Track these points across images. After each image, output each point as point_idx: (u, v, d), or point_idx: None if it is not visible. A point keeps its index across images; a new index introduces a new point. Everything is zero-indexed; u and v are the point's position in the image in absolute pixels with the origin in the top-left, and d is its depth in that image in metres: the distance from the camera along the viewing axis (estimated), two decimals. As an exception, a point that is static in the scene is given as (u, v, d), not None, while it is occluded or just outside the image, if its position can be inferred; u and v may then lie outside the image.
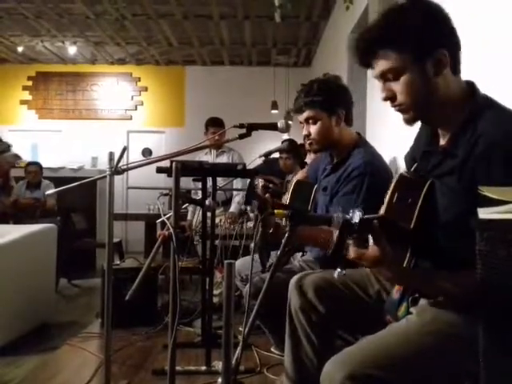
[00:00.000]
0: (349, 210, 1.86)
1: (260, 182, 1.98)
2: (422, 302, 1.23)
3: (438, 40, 1.15)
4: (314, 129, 2.03)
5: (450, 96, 1.18)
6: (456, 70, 1.19)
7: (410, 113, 1.20)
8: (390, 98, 1.20)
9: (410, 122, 1.22)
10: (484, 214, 0.81)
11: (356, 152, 2.00)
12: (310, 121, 2.03)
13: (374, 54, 1.18)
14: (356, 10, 4.08)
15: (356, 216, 1.07)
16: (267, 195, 1.93)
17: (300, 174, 2.63)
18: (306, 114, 2.03)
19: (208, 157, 4.38)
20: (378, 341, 1.18)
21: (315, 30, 6.63)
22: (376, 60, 1.19)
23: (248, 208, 3.27)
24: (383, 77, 1.20)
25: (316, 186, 2.25)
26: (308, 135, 2.05)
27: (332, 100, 2.01)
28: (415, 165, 1.30)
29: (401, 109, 1.20)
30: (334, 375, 1.10)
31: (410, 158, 1.37)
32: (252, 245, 2.30)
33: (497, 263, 0.78)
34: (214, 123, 4.30)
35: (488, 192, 0.87)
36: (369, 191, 1.87)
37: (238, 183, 4.21)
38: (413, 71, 1.15)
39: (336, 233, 1.10)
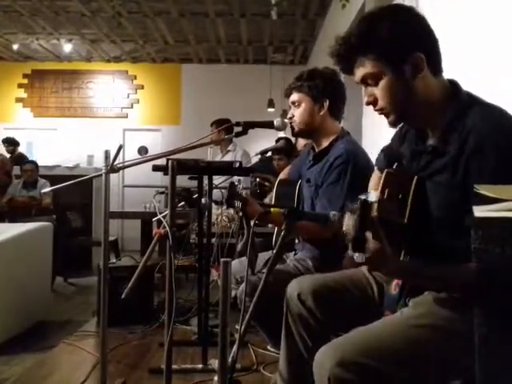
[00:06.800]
0: (334, 200, 1.88)
1: (241, 183, 1.99)
2: (424, 294, 1.23)
3: (413, 43, 1.17)
4: (297, 112, 2.10)
5: (431, 96, 1.20)
6: (436, 70, 1.21)
7: (392, 116, 1.23)
8: (372, 102, 1.23)
9: (393, 124, 1.25)
10: (479, 211, 0.82)
11: (338, 143, 2.06)
12: (296, 104, 2.11)
13: (352, 61, 1.22)
14: (352, 8, 4.08)
15: (372, 196, 1.08)
16: (244, 191, 1.95)
17: (282, 174, 2.66)
18: (292, 97, 2.12)
19: (219, 156, 4.68)
20: (369, 331, 1.19)
21: (312, 27, 6.63)
22: (355, 67, 1.22)
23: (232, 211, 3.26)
24: (364, 82, 1.23)
25: (300, 183, 2.26)
26: (291, 117, 2.13)
27: (318, 87, 2.06)
28: (396, 163, 1.31)
29: (383, 112, 1.23)
30: (325, 363, 1.11)
31: (387, 160, 1.38)
32: (238, 247, 2.30)
33: (492, 260, 0.78)
34: (218, 123, 4.44)
35: (483, 190, 0.87)
36: (352, 179, 1.93)
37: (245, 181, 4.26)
38: (390, 75, 1.18)
39: (351, 218, 1.10)
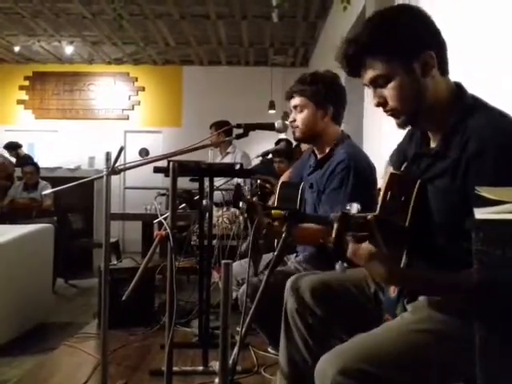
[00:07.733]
0: (337, 205, 1.88)
1: (247, 184, 1.99)
2: (420, 299, 1.23)
3: (424, 42, 1.16)
4: (299, 116, 2.08)
5: (439, 97, 1.19)
6: (444, 70, 1.20)
7: (402, 117, 1.21)
8: (382, 103, 1.21)
9: (401, 126, 1.23)
10: (480, 214, 0.82)
11: (339, 148, 2.05)
12: (298, 108, 2.08)
13: (361, 63, 1.19)
14: (353, 10, 4.08)
15: (354, 208, 1.07)
16: (254, 198, 1.95)
17: (284, 177, 2.66)
18: (294, 101, 2.08)
19: (219, 158, 4.67)
20: (370, 337, 1.18)
21: (312, 30, 6.64)
22: (364, 69, 1.19)
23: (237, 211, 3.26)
24: (373, 83, 1.20)
25: (302, 185, 2.26)
26: (293, 121, 2.10)
27: (321, 93, 2.04)
28: (405, 164, 1.31)
29: (392, 114, 1.22)
30: (327, 371, 1.11)
31: (397, 159, 1.37)
32: (242, 248, 2.29)
33: (492, 263, 0.78)
34: (217, 125, 4.43)
35: (484, 192, 0.87)
36: (355, 184, 1.92)
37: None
38: (401, 75, 1.16)
39: (335, 227, 1.10)
